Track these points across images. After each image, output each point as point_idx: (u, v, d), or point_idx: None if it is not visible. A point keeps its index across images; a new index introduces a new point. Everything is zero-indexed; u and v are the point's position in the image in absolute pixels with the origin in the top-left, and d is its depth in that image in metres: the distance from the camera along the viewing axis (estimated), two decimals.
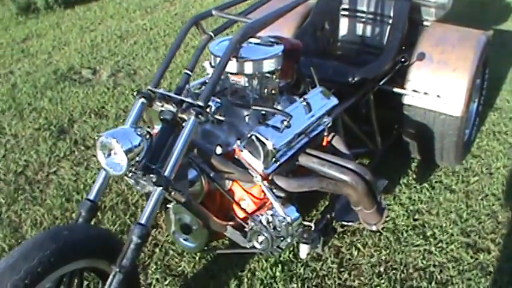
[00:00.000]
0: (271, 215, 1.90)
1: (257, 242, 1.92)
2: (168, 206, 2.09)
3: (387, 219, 2.70)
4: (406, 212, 2.76)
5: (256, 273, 2.36)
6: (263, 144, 1.89)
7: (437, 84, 2.82)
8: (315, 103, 2.15)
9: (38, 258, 1.46)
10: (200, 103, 1.76)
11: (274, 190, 1.97)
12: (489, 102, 3.83)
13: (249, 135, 1.92)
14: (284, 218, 1.89)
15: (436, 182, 3.01)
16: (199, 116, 1.74)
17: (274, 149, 1.89)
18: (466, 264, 2.44)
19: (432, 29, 3.04)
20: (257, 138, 1.89)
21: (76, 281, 1.69)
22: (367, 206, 2.14)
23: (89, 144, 3.42)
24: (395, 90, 2.90)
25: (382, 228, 2.64)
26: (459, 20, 3.21)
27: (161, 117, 1.84)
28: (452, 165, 3.12)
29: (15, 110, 3.88)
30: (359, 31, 3.20)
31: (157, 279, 2.34)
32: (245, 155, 1.91)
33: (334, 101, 2.25)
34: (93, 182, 2.80)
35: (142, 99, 1.84)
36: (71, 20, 5.92)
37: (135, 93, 1.86)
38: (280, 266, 2.38)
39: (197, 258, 2.44)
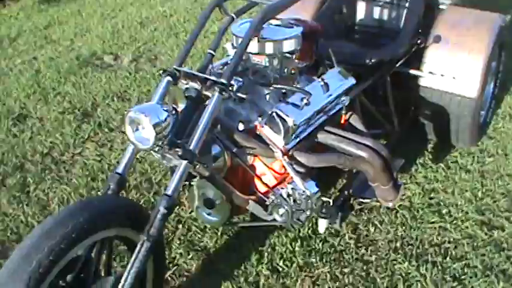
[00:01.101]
0: (292, 188, 1.99)
1: (278, 214, 2.01)
2: (191, 183, 2.18)
3: (403, 197, 2.77)
4: (422, 191, 2.82)
5: (276, 247, 2.45)
6: (284, 120, 1.96)
7: (453, 66, 2.87)
8: (332, 82, 2.22)
9: (72, 225, 1.56)
10: (223, 80, 1.84)
11: (294, 165, 2.05)
12: (506, 85, 3.86)
13: (270, 112, 1.99)
14: (304, 191, 1.97)
15: (451, 162, 3.06)
16: (223, 93, 1.82)
17: (295, 125, 1.97)
18: (481, 241, 2.50)
19: (448, 12, 3.08)
20: (278, 114, 1.97)
21: (106, 249, 1.78)
22: (384, 181, 2.21)
23: (112, 127, 3.52)
24: (412, 72, 2.95)
25: (399, 206, 2.71)
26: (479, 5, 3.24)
27: (186, 95, 1.93)
28: (468, 147, 3.17)
29: (40, 94, 3.99)
30: (376, 15, 3.24)
31: (180, 253, 2.44)
32: (266, 131, 1.99)
33: (351, 80, 2.31)
34: (117, 162, 2.95)
35: (168, 77, 1.92)
36: (91, 7, 6.02)
37: (160, 72, 1.94)
38: (299, 241, 2.46)
39: (219, 233, 2.54)
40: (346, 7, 3.22)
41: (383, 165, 2.13)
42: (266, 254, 2.42)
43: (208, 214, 2.19)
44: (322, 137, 2.15)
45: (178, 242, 2.51)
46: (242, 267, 2.35)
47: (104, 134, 3.46)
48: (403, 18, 3.12)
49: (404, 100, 3.11)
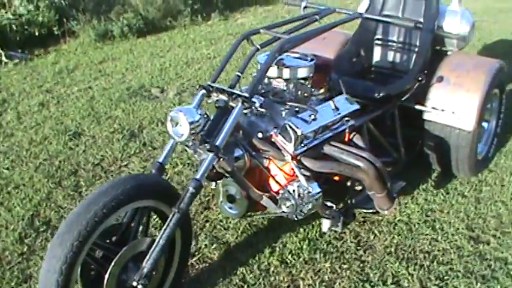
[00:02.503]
0: (298, 186, 2.42)
1: (285, 206, 2.44)
2: (217, 182, 2.65)
3: (403, 214, 3.15)
4: (421, 210, 3.20)
5: (287, 245, 2.86)
6: (294, 131, 2.42)
7: (452, 102, 3.29)
8: (338, 106, 2.67)
9: (121, 189, 2.04)
10: (246, 95, 2.32)
11: (301, 169, 2.49)
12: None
13: (283, 124, 2.46)
14: (307, 189, 2.40)
15: (451, 188, 3.44)
16: (244, 104, 2.30)
17: (302, 135, 2.42)
18: (466, 251, 2.85)
19: (452, 56, 3.53)
20: (289, 126, 2.43)
21: (145, 216, 2.24)
22: (378, 190, 2.62)
23: (155, 146, 4.04)
24: (417, 107, 3.38)
25: (398, 221, 3.09)
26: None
27: (216, 105, 2.42)
28: (468, 177, 3.54)
29: (93, 117, 4.57)
30: (390, 58, 3.70)
31: (205, 244, 2.88)
32: (279, 139, 2.45)
33: (355, 106, 2.76)
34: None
35: (203, 91, 2.42)
36: (142, 47, 6.70)
37: (197, 87, 2.45)
38: (307, 240, 2.87)
39: (239, 231, 2.97)
40: (363, 50, 3.70)
41: (377, 174, 2.54)
42: (278, 248, 2.83)
43: (230, 208, 2.64)
44: (327, 149, 2.59)
45: (204, 236, 2.95)
46: (256, 258, 2.76)
47: (147, 151, 3.97)
48: (412, 61, 3.57)
49: (413, 133, 3.52)
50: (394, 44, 3.67)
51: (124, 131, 4.29)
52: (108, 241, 2.17)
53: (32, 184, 3.53)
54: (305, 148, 2.49)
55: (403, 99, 3.25)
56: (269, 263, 2.74)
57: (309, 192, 2.40)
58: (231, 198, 2.62)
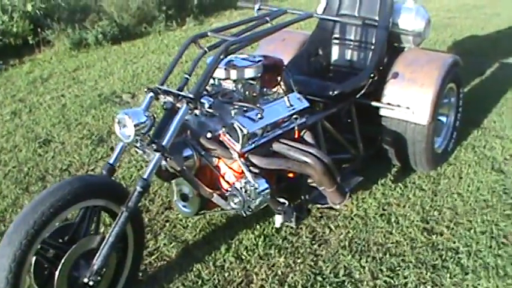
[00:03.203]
0: (245, 182, 2.48)
1: (233, 202, 2.50)
2: (172, 181, 2.71)
3: (359, 208, 3.22)
4: (378, 204, 3.27)
5: (243, 241, 2.92)
6: (240, 129, 2.49)
7: (407, 97, 3.37)
8: (288, 104, 2.74)
9: (68, 189, 2.11)
10: (191, 96, 2.39)
11: (250, 166, 2.56)
12: (475, 121, 4.34)
13: (230, 123, 2.52)
14: (253, 184, 2.46)
15: (409, 182, 3.51)
16: (189, 104, 2.36)
17: (248, 133, 2.49)
18: (420, 243, 2.92)
19: (407, 52, 3.61)
20: (236, 125, 2.50)
21: (96, 216, 2.30)
22: (328, 185, 2.69)
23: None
24: (373, 103, 3.46)
25: (354, 215, 3.16)
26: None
27: (164, 107, 2.49)
28: (427, 171, 3.61)
29: (64, 124, 4.61)
30: (348, 56, 3.78)
31: (164, 243, 2.94)
32: (227, 138, 2.51)
33: (304, 103, 2.83)
34: (123, 178, 3.50)
35: (151, 93, 2.49)
36: (117, 54, 6.75)
37: (145, 89, 2.51)
38: (262, 237, 2.94)
39: (198, 229, 3.03)
40: (321, 49, 3.78)
41: (324, 169, 2.61)
42: (234, 245, 2.89)
43: (184, 206, 2.71)
44: (276, 146, 2.66)
45: (164, 236, 3.00)
46: (212, 254, 2.82)
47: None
48: (369, 58, 3.64)
49: (372, 129, 3.60)
50: (351, 43, 3.75)
51: (93, 137, 4.34)
52: (60, 240, 2.23)
53: (0, 190, 3.58)
54: (252, 146, 2.56)
55: (357, 96, 3.32)
56: (224, 259, 2.80)
57: (256, 188, 2.47)
58: (184, 197, 2.69)
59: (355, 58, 3.76)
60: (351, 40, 3.75)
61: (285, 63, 3.53)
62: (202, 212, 2.77)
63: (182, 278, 2.67)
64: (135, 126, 2.26)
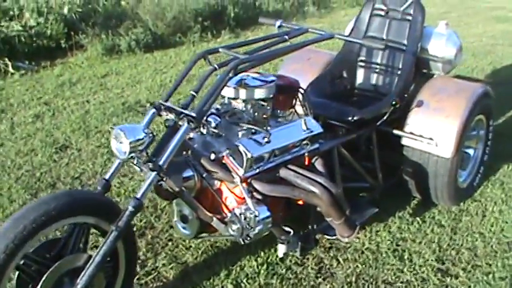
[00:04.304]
0: (245, 209, 2.36)
1: (232, 229, 2.37)
2: (173, 201, 2.61)
3: (372, 242, 3.05)
4: (392, 238, 3.09)
5: (245, 268, 2.79)
6: (244, 153, 2.37)
7: (431, 128, 3.19)
8: (298, 129, 2.61)
9: (54, 205, 2.03)
10: (193, 114, 2.28)
11: (254, 192, 2.43)
12: (506, 156, 4.09)
13: (235, 145, 2.41)
14: (254, 212, 2.33)
15: (428, 217, 3.32)
16: (190, 123, 2.26)
17: (252, 157, 2.37)
18: (432, 285, 2.73)
19: (435, 80, 3.43)
20: (240, 148, 2.38)
21: (84, 234, 2.20)
22: (335, 217, 2.54)
23: None
24: (395, 131, 3.29)
25: (365, 249, 2.99)
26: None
27: (166, 124, 2.39)
28: (449, 205, 3.41)
29: (84, 130, 4.59)
30: (373, 80, 3.62)
31: (164, 264, 2.83)
32: (230, 161, 2.40)
33: (318, 129, 2.68)
34: (133, 191, 3.42)
35: (153, 109, 2.39)
36: (148, 62, 6.75)
37: (148, 105, 2.42)
38: (265, 265, 2.80)
39: (200, 251, 2.92)
40: (346, 71, 3.63)
41: (332, 201, 2.46)
42: (234, 271, 2.76)
43: (184, 228, 2.60)
44: (283, 172, 2.53)
45: (164, 255, 2.90)
46: (211, 280, 2.70)
47: (128, 167, 3.95)
48: (394, 84, 3.48)
49: (393, 158, 3.43)
50: (378, 66, 3.59)
51: (110, 146, 4.28)
52: (46, 255, 2.15)
53: (9, 194, 3.54)
54: (257, 171, 2.43)
55: (378, 123, 3.15)
56: (223, 286, 2.67)
57: (256, 216, 2.34)
58: (184, 218, 2.58)
59: (380, 83, 3.60)
60: (377, 64, 3.60)
61: (308, 83, 3.46)
62: (202, 235, 2.65)
63: None
64: (130, 143, 2.17)
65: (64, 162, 4.03)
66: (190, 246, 2.97)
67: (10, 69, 6.17)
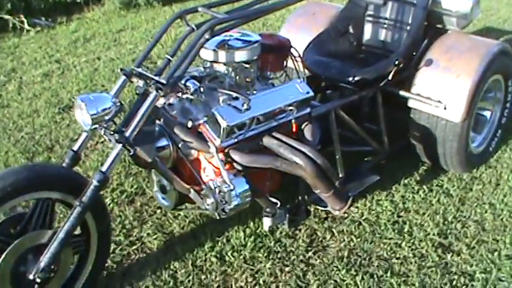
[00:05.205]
0: (220, 182, 2.20)
1: (206, 203, 2.23)
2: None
3: (372, 212, 2.87)
4: (394, 209, 2.89)
5: (231, 240, 2.66)
6: (220, 121, 2.19)
7: (440, 89, 2.93)
8: (285, 93, 2.41)
9: (12, 179, 1.94)
10: (162, 81, 2.11)
11: (234, 163, 2.27)
12: None
13: (212, 113, 2.23)
14: (229, 185, 2.18)
15: (436, 185, 3.10)
16: (159, 91, 2.09)
17: (228, 126, 2.19)
18: (430, 262, 2.54)
19: (447, 36, 3.13)
20: (217, 116, 2.20)
21: (49, 208, 2.10)
22: (322, 189, 2.36)
23: None
24: (401, 92, 3.04)
25: (364, 219, 2.81)
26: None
27: (137, 92, 2.23)
28: (460, 172, 3.18)
29: (90, 89, 4.48)
30: (381, 36, 3.35)
31: (148, 233, 2.73)
32: (205, 129, 2.23)
33: (306, 93, 2.47)
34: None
35: (124, 76, 2.24)
36: (165, 16, 6.54)
37: (119, 70, 2.26)
38: (253, 237, 2.66)
39: (187, 221, 2.80)
40: (352, 27, 3.36)
41: (317, 172, 2.28)
42: (220, 243, 2.64)
43: (163, 198, 2.48)
44: (266, 141, 2.35)
45: (150, 224, 2.80)
46: (194, 252, 2.59)
47: None
48: (402, 41, 3.20)
49: (401, 120, 3.20)
50: (386, 21, 3.32)
51: None
52: (11, 232, 2.06)
53: (6, 158, 3.49)
54: (236, 140, 2.26)
55: (382, 83, 2.91)
56: (206, 258, 2.56)
57: (232, 190, 2.18)
58: (163, 189, 2.46)
59: (389, 39, 3.32)
60: (386, 18, 3.32)
61: (311, 39, 3.23)
62: (182, 206, 2.53)
63: (155, 276, 2.46)
64: (92, 115, 2.03)
65: (65, 124, 3.94)
66: (179, 215, 2.85)
67: (26, 26, 6.07)
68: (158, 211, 2.90)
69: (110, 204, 2.96)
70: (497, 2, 6.65)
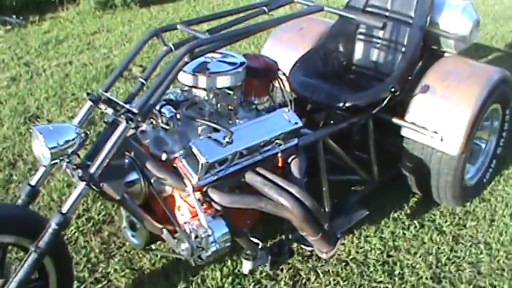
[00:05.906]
0: (197, 225, 1.96)
1: (180, 248, 1.99)
2: None
3: (360, 250, 2.65)
4: (383, 247, 2.68)
5: (207, 280, 2.42)
6: (198, 157, 1.94)
7: (436, 119, 2.73)
8: (271, 124, 2.17)
9: None
10: (134, 110, 1.85)
11: (212, 203, 2.03)
12: None
13: (189, 146, 1.99)
14: (206, 230, 1.93)
15: (428, 220, 2.90)
16: (129, 122, 1.83)
17: (207, 162, 1.94)
18: None
19: (444, 61, 2.93)
20: (194, 150, 1.96)
21: (1, 256, 1.83)
22: (310, 233, 2.14)
23: None
24: (394, 120, 2.84)
25: (351, 259, 2.60)
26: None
27: (104, 120, 1.97)
28: (452, 206, 2.98)
29: (59, 98, 4.17)
30: (373, 57, 3.13)
31: (115, 269, 2.47)
32: (181, 165, 1.98)
33: (295, 124, 2.24)
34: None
35: (90, 102, 1.97)
36: (142, 18, 6.25)
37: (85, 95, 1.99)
38: (230, 278, 2.42)
39: (158, 257, 2.54)
40: (342, 46, 3.14)
41: (305, 215, 2.05)
42: (194, 284, 2.39)
43: (133, 236, 2.22)
44: (249, 178, 2.11)
45: (118, 258, 2.54)
46: None
47: None
48: (397, 63, 2.99)
49: (392, 149, 3.00)
50: (379, 41, 3.09)
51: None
52: None
53: None
54: (215, 177, 2.02)
55: (375, 110, 2.70)
56: None
57: (209, 235, 1.94)
58: (132, 225, 2.20)
59: (382, 60, 3.10)
60: (380, 38, 3.09)
61: (299, 57, 3.01)
62: (153, 244, 2.27)
63: None
64: (52, 147, 1.76)
65: (30, 136, 3.64)
66: (150, 249, 2.59)
67: None
68: (127, 243, 2.63)
69: (74, 233, 2.70)
70: (483, 18, 6.50)
